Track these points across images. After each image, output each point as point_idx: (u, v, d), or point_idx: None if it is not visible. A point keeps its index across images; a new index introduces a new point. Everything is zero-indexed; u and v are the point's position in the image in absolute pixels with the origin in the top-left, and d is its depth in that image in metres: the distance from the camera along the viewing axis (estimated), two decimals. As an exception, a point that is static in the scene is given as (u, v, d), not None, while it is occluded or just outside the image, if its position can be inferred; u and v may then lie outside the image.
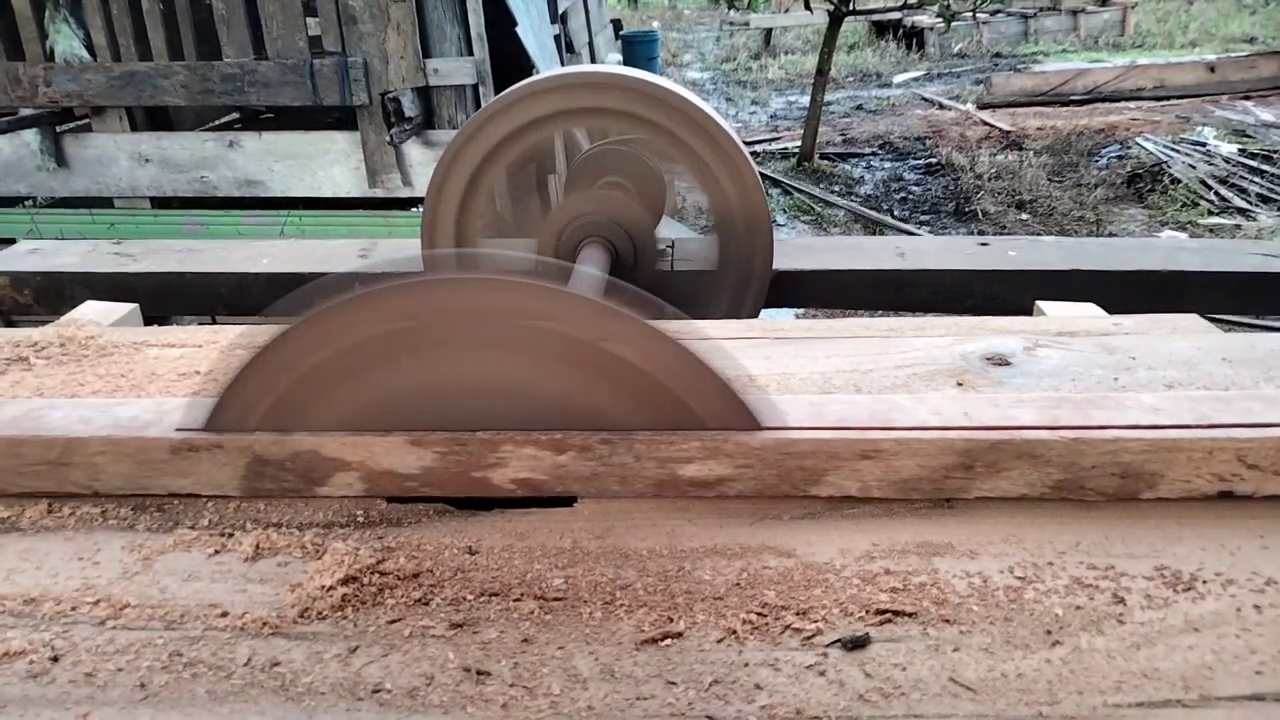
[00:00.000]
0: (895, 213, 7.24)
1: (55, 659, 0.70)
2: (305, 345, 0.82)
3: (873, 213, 7.16)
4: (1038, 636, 0.70)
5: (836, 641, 0.70)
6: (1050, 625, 0.71)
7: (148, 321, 1.76)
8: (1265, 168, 7.31)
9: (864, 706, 0.64)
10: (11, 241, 2.22)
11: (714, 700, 0.65)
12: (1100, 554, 0.79)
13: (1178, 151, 7.78)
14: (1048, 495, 0.85)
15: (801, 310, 4.06)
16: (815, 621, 0.72)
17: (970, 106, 10.41)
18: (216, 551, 0.83)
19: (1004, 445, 0.82)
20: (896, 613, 0.72)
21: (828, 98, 9.49)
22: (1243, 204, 6.83)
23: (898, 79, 13.00)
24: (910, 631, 0.71)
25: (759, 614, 0.73)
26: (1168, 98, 9.92)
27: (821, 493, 0.85)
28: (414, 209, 4.64)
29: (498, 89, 3.60)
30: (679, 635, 0.71)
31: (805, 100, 9.83)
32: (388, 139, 4.46)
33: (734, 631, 0.71)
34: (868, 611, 0.73)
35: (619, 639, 0.71)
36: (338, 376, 0.84)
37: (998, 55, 14.23)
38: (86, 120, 4.71)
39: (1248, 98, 9.69)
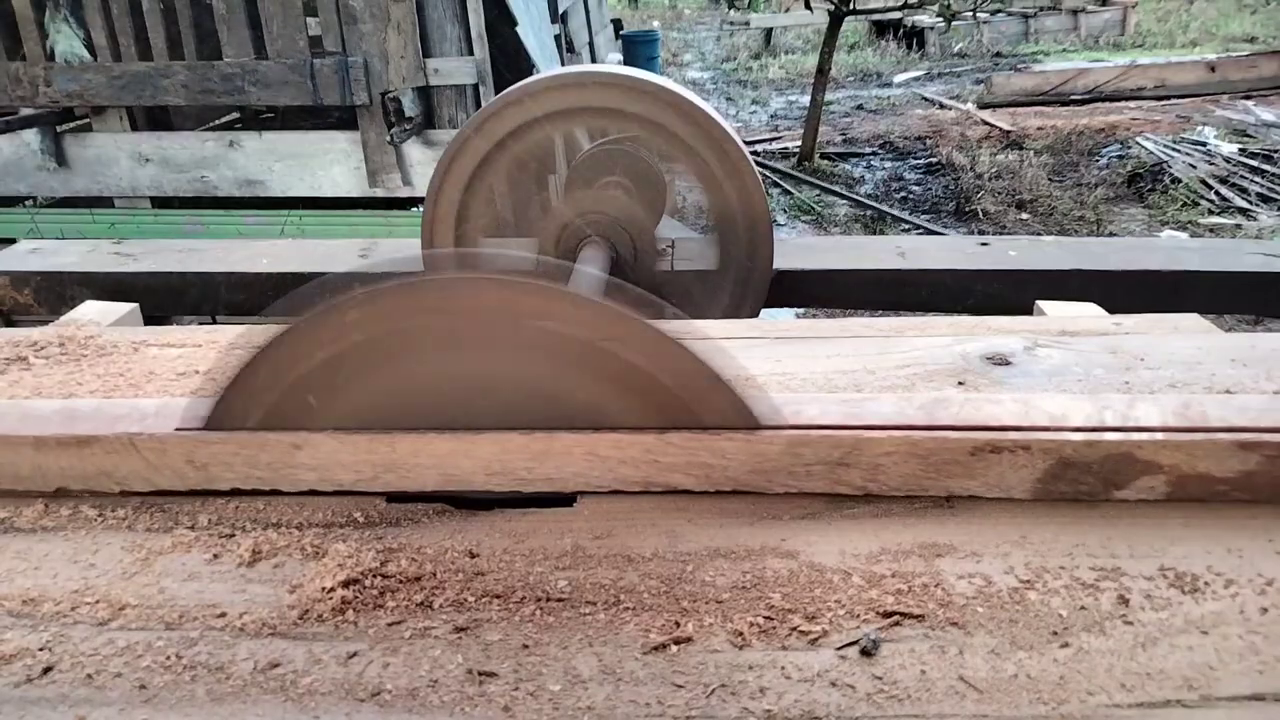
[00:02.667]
0: (895, 212, 7.23)
1: (53, 660, 0.70)
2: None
3: (881, 206, 7.15)
4: (1042, 638, 0.70)
5: (854, 643, 0.69)
6: (1055, 626, 0.71)
7: (148, 321, 1.76)
8: (1266, 167, 7.30)
9: (871, 708, 0.64)
10: (12, 241, 2.22)
11: (719, 703, 0.65)
12: (1103, 555, 0.79)
13: (1178, 151, 7.77)
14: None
15: (802, 310, 4.06)
16: (822, 624, 0.72)
17: (971, 106, 10.41)
18: (216, 555, 0.82)
19: None
20: (903, 614, 0.72)
21: (828, 97, 9.49)
22: (1243, 204, 6.83)
23: (898, 78, 12.99)
24: (916, 633, 0.71)
25: (766, 617, 0.72)
26: (1168, 97, 9.91)
27: None
28: (414, 209, 4.64)
29: (498, 89, 3.60)
30: (688, 640, 0.71)
31: (805, 100, 9.83)
32: (388, 139, 4.46)
33: (740, 634, 0.71)
34: (874, 613, 0.73)
35: (623, 642, 0.71)
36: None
37: (998, 55, 14.22)
38: (87, 120, 4.71)
39: (1248, 97, 9.68)
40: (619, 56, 10.51)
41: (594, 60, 8.64)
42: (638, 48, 11.52)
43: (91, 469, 0.88)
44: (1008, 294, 1.88)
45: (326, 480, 0.87)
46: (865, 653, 0.68)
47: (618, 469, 0.86)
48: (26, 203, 5.00)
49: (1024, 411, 0.85)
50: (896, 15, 12.45)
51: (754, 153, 8.47)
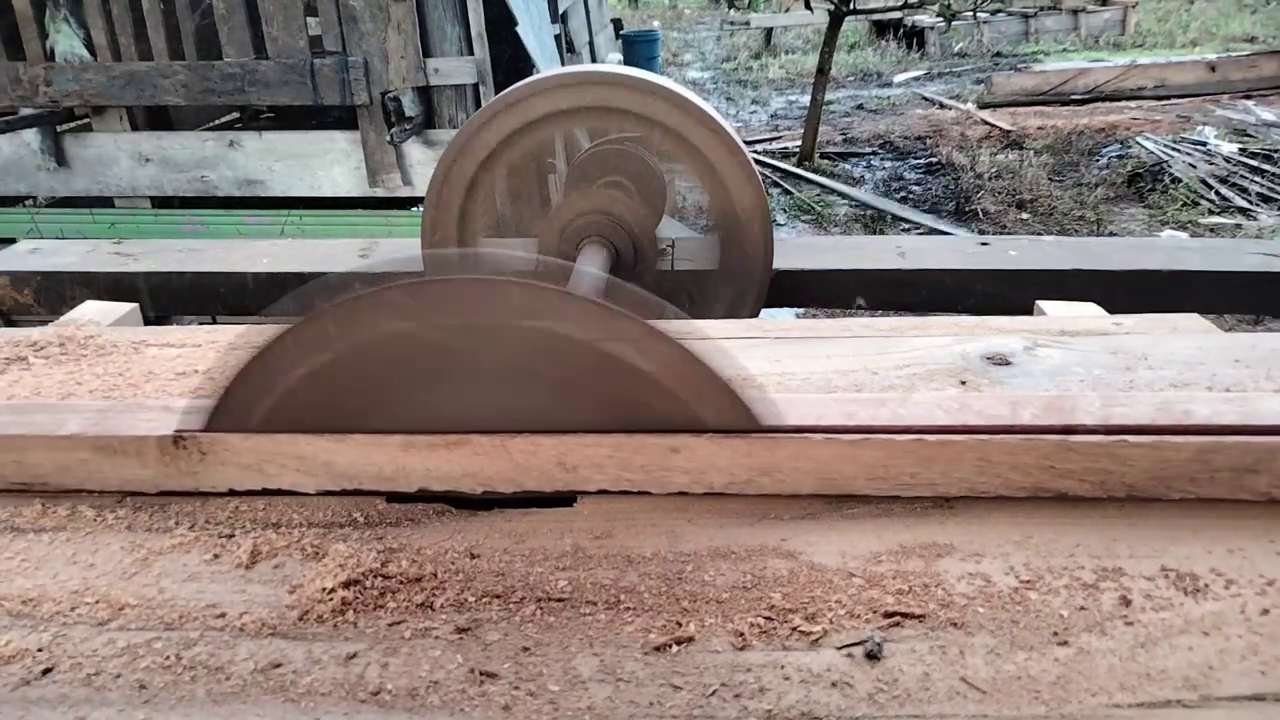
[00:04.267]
0: (895, 210, 7.23)
1: (53, 661, 0.70)
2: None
3: (878, 204, 7.15)
4: (1043, 638, 0.70)
5: (855, 644, 0.69)
6: (1056, 627, 0.71)
7: (148, 321, 1.76)
8: (1266, 167, 7.30)
9: (872, 708, 0.64)
10: (12, 241, 2.22)
11: (719, 703, 0.65)
12: (1104, 555, 0.79)
13: (1178, 151, 7.77)
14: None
15: (801, 310, 4.06)
16: (822, 624, 0.72)
17: (971, 106, 10.40)
18: (216, 555, 0.82)
19: None
20: (904, 615, 0.72)
21: (828, 97, 9.48)
22: (1243, 203, 6.83)
23: (898, 78, 12.99)
24: (917, 633, 0.71)
25: (766, 617, 0.72)
26: (1168, 97, 9.90)
27: None
28: (414, 209, 4.64)
29: (498, 89, 3.60)
30: (689, 640, 0.71)
31: (805, 99, 9.82)
32: (388, 138, 4.46)
33: (741, 634, 0.71)
34: (875, 614, 0.72)
35: (623, 642, 0.71)
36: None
37: (998, 55, 14.22)
38: (87, 120, 4.72)
39: (1248, 97, 9.68)
40: (619, 56, 10.51)
41: (594, 60, 8.63)
42: (638, 47, 11.51)
43: (458, 470, 0.87)
44: (1008, 294, 1.88)
45: (699, 483, 0.86)
46: (871, 655, 0.68)
47: (1008, 475, 0.84)
48: (26, 203, 5.01)
49: None
50: (896, 15, 12.46)
51: (754, 152, 8.46)
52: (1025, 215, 7.05)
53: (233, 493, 0.89)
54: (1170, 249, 2.07)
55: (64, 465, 0.89)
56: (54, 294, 1.98)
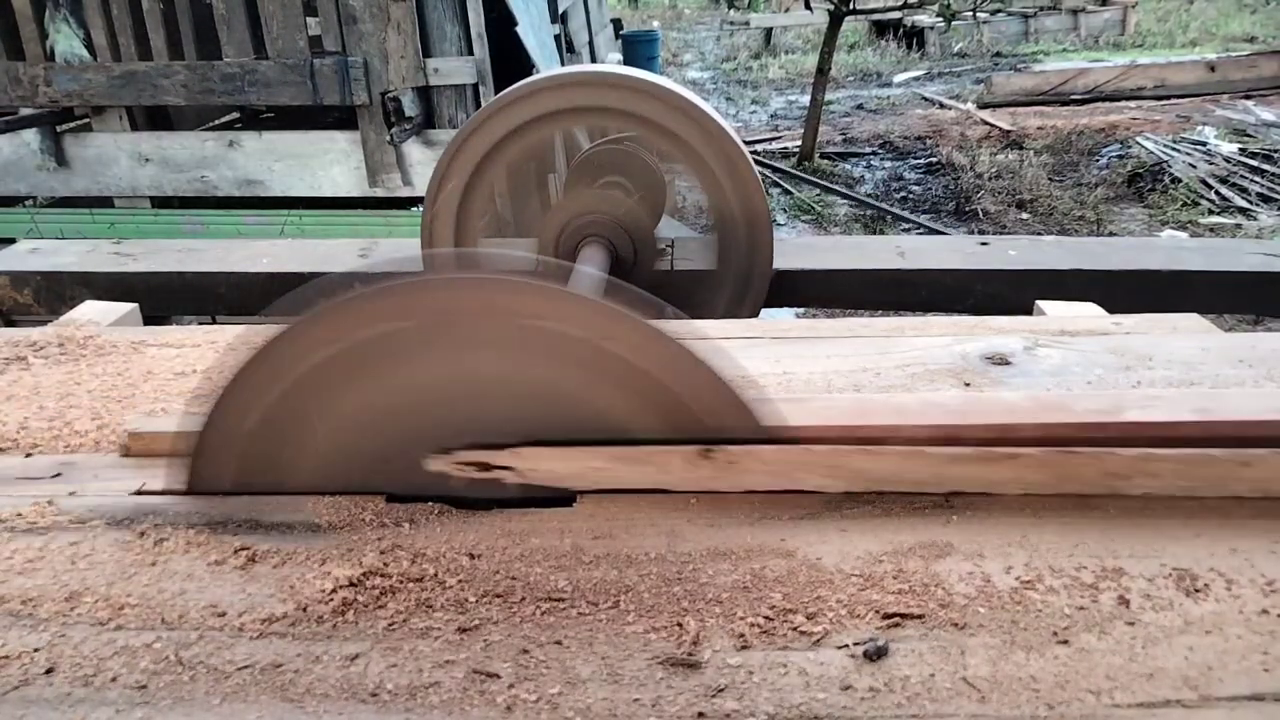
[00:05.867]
0: (896, 210, 7.23)
1: (53, 661, 0.70)
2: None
3: (881, 205, 7.15)
4: (1043, 638, 0.70)
5: (856, 644, 0.69)
6: (1055, 627, 0.71)
7: (148, 321, 1.75)
8: (1266, 167, 7.30)
9: (872, 708, 0.64)
10: (11, 241, 2.22)
11: (719, 703, 0.65)
12: (1104, 554, 0.79)
13: (1178, 151, 7.77)
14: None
15: (801, 310, 4.06)
16: (823, 624, 0.72)
17: (971, 106, 10.40)
18: (216, 555, 0.82)
19: None
20: (904, 615, 0.72)
21: (828, 97, 9.48)
22: (1243, 203, 6.83)
23: (898, 78, 12.99)
24: (917, 633, 0.71)
25: (766, 617, 0.72)
26: (1168, 97, 9.91)
27: None
28: (414, 208, 4.64)
29: (498, 89, 3.59)
30: (692, 642, 0.71)
31: (805, 99, 9.82)
32: (388, 138, 4.46)
33: (741, 635, 0.71)
34: (874, 613, 0.72)
35: (623, 642, 0.71)
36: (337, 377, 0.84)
37: (998, 55, 14.22)
38: (86, 120, 4.71)
39: (1248, 97, 9.68)
40: (619, 56, 10.50)
41: (594, 60, 8.63)
42: (638, 47, 11.51)
43: (999, 477, 0.86)
44: (1008, 294, 1.89)
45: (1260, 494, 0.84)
46: (871, 655, 0.68)
47: None
48: (26, 203, 5.00)
49: None
50: (896, 15, 12.46)
51: (754, 152, 8.46)
52: (1025, 215, 7.05)
53: (750, 493, 0.87)
54: (1170, 249, 2.07)
55: (577, 472, 0.88)
56: (54, 294, 1.98)
